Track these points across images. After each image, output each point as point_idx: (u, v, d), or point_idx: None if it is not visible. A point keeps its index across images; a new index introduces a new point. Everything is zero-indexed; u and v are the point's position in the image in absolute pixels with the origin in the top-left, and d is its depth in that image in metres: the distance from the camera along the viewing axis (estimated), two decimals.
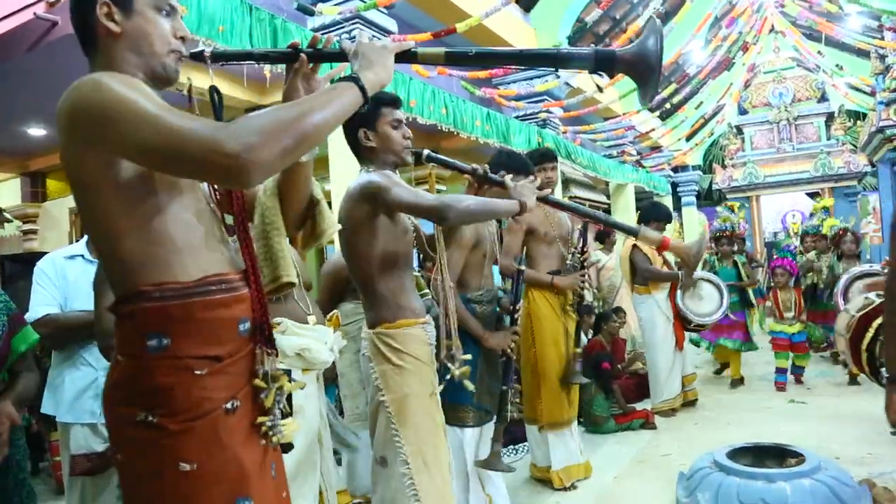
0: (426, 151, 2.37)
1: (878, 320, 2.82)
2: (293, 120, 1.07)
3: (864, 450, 4.02)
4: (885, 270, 4.24)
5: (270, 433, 1.23)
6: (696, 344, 6.52)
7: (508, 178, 2.41)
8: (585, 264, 3.85)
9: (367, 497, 3.52)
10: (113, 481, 2.29)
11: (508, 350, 2.89)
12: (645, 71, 1.32)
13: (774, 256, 12.20)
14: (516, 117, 7.67)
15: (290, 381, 1.27)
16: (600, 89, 8.72)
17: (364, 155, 2.25)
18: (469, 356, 2.31)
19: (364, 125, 2.19)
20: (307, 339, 3.01)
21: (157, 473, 1.13)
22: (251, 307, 1.25)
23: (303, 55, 1.36)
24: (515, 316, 2.94)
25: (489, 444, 2.90)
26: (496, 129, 6.25)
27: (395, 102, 2.24)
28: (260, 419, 1.22)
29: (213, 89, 1.30)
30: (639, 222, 5.60)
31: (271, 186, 1.47)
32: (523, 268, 3.07)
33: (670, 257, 5.07)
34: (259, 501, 1.18)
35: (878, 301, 2.94)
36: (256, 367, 1.22)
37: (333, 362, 3.43)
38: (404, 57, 1.34)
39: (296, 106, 1.11)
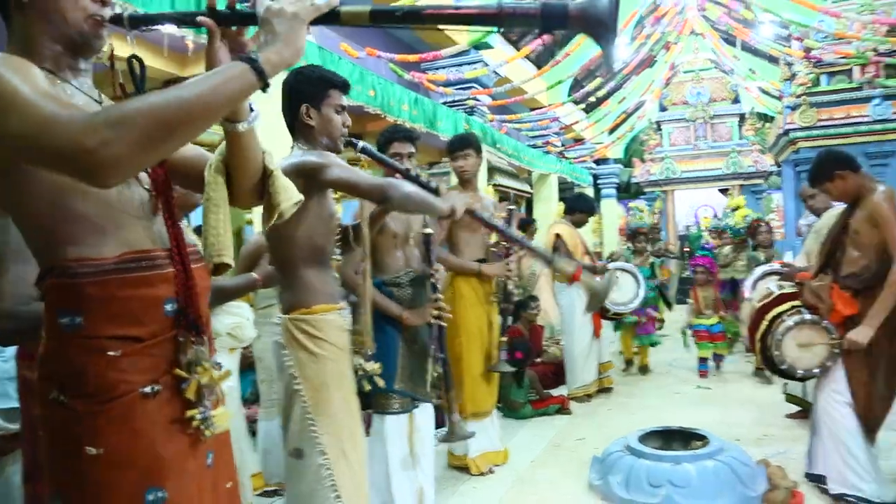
0: (361, 143, 2.32)
1: (772, 312, 2.98)
2: (161, 109, 0.97)
3: (762, 431, 4.28)
4: (786, 269, 4.52)
5: (203, 426, 1.16)
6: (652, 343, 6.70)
7: (443, 186, 2.35)
8: (510, 252, 3.88)
9: (280, 485, 3.46)
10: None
11: (432, 319, 2.82)
12: (599, 26, 1.14)
13: (686, 249, 12.80)
14: (444, 103, 7.66)
15: (216, 370, 1.21)
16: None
17: (299, 131, 2.17)
18: (374, 351, 2.28)
19: (309, 101, 2.12)
20: (238, 316, 2.96)
21: (67, 454, 1.09)
22: (175, 287, 1.18)
23: (208, 19, 1.18)
24: (433, 282, 2.85)
25: (426, 428, 2.92)
26: (423, 114, 6.22)
27: (344, 87, 2.18)
28: (189, 413, 1.16)
29: (133, 59, 1.21)
30: (564, 213, 5.72)
31: (216, 160, 1.35)
32: (430, 230, 2.90)
33: (593, 248, 5.17)
34: (175, 492, 1.13)
35: (777, 292, 3.11)
36: (179, 355, 1.16)
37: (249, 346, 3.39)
38: (326, 18, 1.17)
39: (171, 92, 1.00)
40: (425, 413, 2.96)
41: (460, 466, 3.78)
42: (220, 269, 1.35)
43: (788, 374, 2.96)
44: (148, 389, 1.12)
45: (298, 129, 2.17)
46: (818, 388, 2.98)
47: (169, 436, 1.14)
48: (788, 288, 3.16)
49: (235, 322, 2.94)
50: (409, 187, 2.08)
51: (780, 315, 2.95)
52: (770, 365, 3.02)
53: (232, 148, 1.32)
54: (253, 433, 3.59)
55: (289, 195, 1.45)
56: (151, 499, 1.10)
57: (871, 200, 2.84)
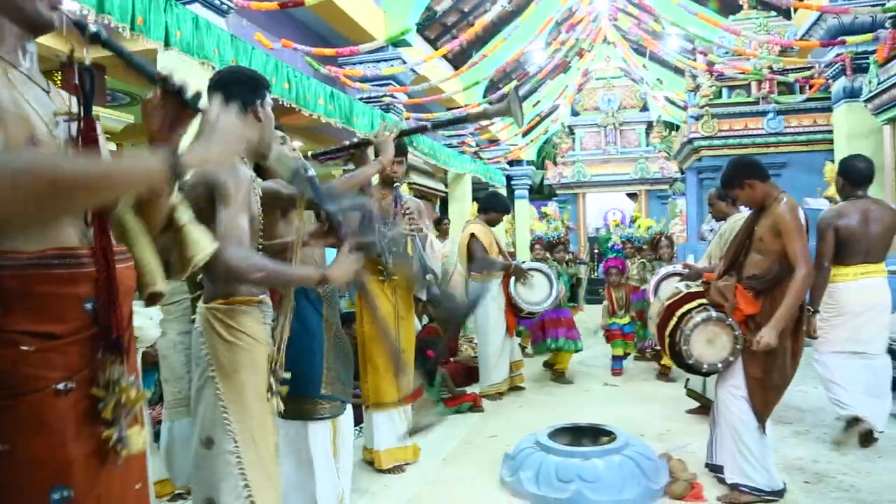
0: (311, 172, 2.19)
1: (681, 309, 3.11)
2: (61, 179, 0.92)
3: (664, 427, 4.46)
4: (687, 271, 4.73)
5: (119, 446, 1.14)
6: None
7: (346, 247, 2.18)
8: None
9: (187, 488, 3.31)
10: None
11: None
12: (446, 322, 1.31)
13: (595, 251, 13.22)
14: (360, 99, 7.57)
15: (133, 389, 1.18)
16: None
17: None
18: (288, 375, 2.21)
19: (261, 100, 2.09)
20: (142, 317, 2.81)
21: None
22: (96, 288, 1.14)
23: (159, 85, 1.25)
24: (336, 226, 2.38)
25: (347, 429, 2.90)
26: (339, 110, 6.11)
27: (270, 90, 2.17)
28: (105, 433, 1.13)
29: (86, 70, 1.17)
30: (478, 212, 5.77)
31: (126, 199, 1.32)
32: (312, 173, 2.31)
33: (506, 248, 5.22)
34: (82, 492, 1.09)
35: (685, 291, 3.24)
36: (97, 373, 1.14)
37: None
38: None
39: (80, 164, 1.00)
40: (346, 413, 2.92)
41: (371, 461, 3.74)
42: (154, 297, 1.35)
43: (695, 369, 3.09)
44: (61, 386, 1.09)
45: None
46: (719, 382, 3.14)
47: (79, 434, 1.10)
48: (695, 287, 3.30)
49: (138, 324, 2.78)
50: (260, 273, 1.96)
51: (689, 312, 3.07)
52: (678, 359, 3.14)
53: (145, 196, 1.30)
54: (156, 435, 3.41)
55: (200, 247, 1.47)
56: (57, 497, 1.07)
57: (777, 211, 3.01)
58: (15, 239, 1.06)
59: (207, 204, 1.95)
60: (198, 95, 1.26)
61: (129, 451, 1.16)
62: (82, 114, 1.18)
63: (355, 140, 2.32)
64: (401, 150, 3.71)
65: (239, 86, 2.07)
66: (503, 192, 14.11)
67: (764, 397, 2.97)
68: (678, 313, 3.09)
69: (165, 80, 1.24)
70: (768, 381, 2.96)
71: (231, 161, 1.13)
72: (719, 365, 3.01)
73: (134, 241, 1.30)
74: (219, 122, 1.20)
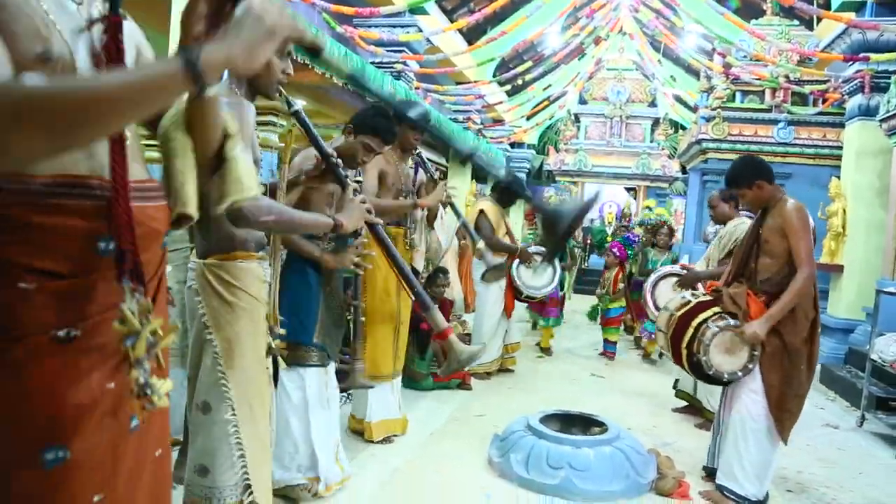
0: (297, 107, 2.16)
1: (697, 319, 3.07)
2: (71, 101, 0.79)
3: (651, 422, 4.48)
4: (684, 272, 4.73)
5: (143, 393, 0.99)
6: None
7: (352, 187, 2.23)
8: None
9: (175, 440, 3.28)
10: None
11: (352, 265, 2.70)
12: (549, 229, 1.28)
13: (587, 242, 13.20)
14: (372, 63, 7.44)
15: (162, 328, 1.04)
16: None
17: None
18: (284, 331, 2.17)
19: None
20: None
21: None
22: (112, 225, 1.00)
23: None
24: (333, 167, 2.42)
25: (333, 386, 2.90)
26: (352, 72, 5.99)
27: None
28: (133, 374, 0.99)
29: None
30: (492, 190, 5.78)
31: (175, 113, 1.19)
32: (335, 159, 2.42)
33: (514, 229, 5.20)
34: (81, 453, 0.98)
35: (694, 301, 3.21)
36: (120, 303, 0.99)
37: None
38: (307, 48, 1.06)
39: (88, 83, 0.84)
40: (332, 372, 2.94)
41: (359, 431, 3.73)
42: (181, 220, 1.17)
43: (715, 379, 3.05)
44: (62, 334, 0.97)
45: None
46: (737, 386, 3.08)
47: (79, 389, 0.98)
48: (703, 296, 3.28)
49: None
50: (271, 216, 1.81)
51: (705, 321, 3.04)
52: (697, 370, 3.11)
53: (192, 111, 1.18)
54: None
55: (240, 187, 1.35)
56: (51, 458, 0.95)
57: (783, 211, 2.98)
58: None
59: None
60: None
61: (155, 402, 1.01)
62: (108, 11, 1.02)
63: (336, 170, 2.23)
64: (421, 126, 3.65)
65: None
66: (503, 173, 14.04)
67: (782, 404, 2.95)
68: (694, 324, 3.05)
69: None
70: (787, 388, 2.94)
71: (253, 67, 0.93)
72: (739, 373, 2.98)
73: (176, 155, 1.18)
74: (251, 14, 0.95)
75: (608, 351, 6.66)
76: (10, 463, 0.94)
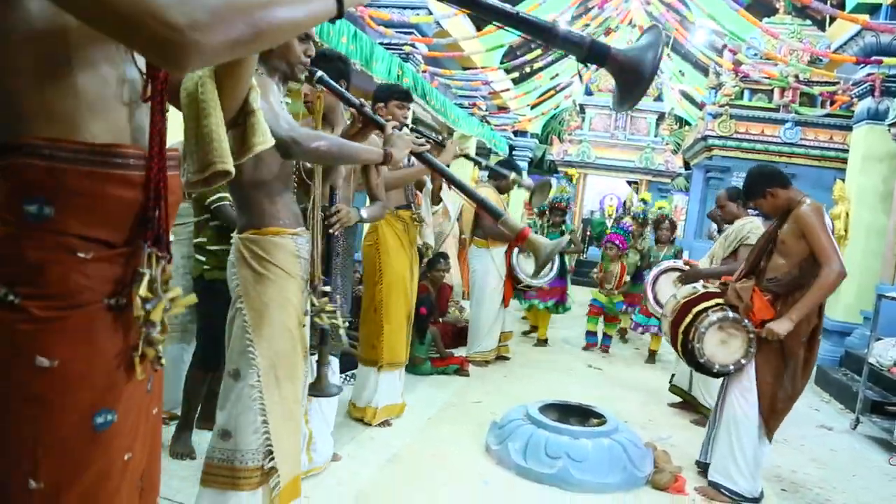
0: (319, 73, 2.23)
1: (698, 307, 3.09)
2: (256, 9, 0.88)
3: (647, 416, 4.49)
4: (687, 268, 4.73)
5: (158, 356, 1.04)
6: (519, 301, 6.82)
7: (391, 125, 2.33)
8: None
9: (171, 413, 3.29)
10: None
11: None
12: (632, 80, 1.22)
13: (587, 233, 13.21)
14: (381, 44, 7.38)
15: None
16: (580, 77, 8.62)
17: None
18: (328, 287, 2.23)
19: None
20: None
21: (8, 363, 0.91)
22: (152, 195, 1.02)
23: None
24: (367, 117, 2.43)
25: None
26: (360, 51, 5.92)
27: None
28: (157, 337, 1.03)
29: None
30: (490, 177, 5.69)
31: (197, 76, 1.23)
32: (366, 108, 2.45)
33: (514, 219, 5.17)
34: (123, 416, 1.01)
35: (702, 290, 3.22)
36: (142, 269, 1.01)
37: None
38: None
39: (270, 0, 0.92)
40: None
41: (360, 418, 3.73)
42: (216, 177, 1.22)
43: (706, 368, 3.08)
44: (113, 302, 0.98)
45: None
46: (730, 382, 3.12)
47: (123, 355, 1.00)
48: (712, 287, 3.29)
49: None
50: (322, 142, 1.98)
51: (705, 310, 3.06)
52: (689, 357, 3.13)
53: (229, 67, 1.23)
54: None
55: (265, 137, 1.47)
56: (101, 421, 0.97)
57: (800, 213, 2.98)
58: (72, 125, 0.93)
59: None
60: None
61: (164, 364, 1.08)
62: None
63: (372, 116, 2.32)
64: (407, 98, 3.65)
65: None
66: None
67: (773, 404, 2.98)
68: (694, 311, 3.07)
69: None
70: (779, 389, 2.96)
71: None
72: (731, 367, 3.01)
73: (208, 112, 1.21)
74: None
75: (605, 345, 6.66)
76: (63, 428, 0.95)
